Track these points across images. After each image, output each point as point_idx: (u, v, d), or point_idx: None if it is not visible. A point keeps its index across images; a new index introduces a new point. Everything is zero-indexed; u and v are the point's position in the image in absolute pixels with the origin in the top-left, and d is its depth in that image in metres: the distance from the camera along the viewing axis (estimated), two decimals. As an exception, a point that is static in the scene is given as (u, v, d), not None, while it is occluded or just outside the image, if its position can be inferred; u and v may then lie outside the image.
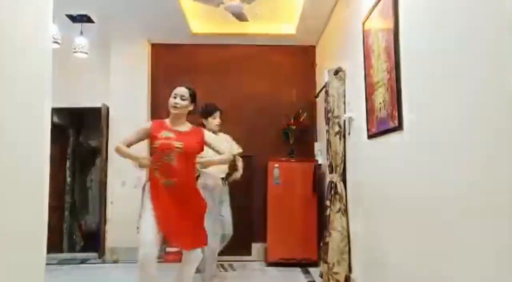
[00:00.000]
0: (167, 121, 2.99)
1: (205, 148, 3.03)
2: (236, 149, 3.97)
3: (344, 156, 3.75)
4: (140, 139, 2.98)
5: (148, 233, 2.67)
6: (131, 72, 5.27)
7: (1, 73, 1.61)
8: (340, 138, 3.76)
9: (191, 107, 3.02)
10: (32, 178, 1.84)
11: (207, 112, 3.82)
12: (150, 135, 2.90)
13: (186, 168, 2.84)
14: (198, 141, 2.95)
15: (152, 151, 2.89)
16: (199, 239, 2.92)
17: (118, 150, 2.92)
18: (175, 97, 2.95)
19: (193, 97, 3.02)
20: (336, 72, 3.83)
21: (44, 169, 1.96)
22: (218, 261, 4.87)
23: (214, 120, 3.81)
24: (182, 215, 2.80)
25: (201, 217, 2.95)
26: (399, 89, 2.39)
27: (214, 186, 3.71)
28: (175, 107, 2.93)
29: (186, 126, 3.00)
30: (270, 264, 4.55)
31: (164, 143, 2.81)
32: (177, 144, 2.80)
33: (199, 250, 2.93)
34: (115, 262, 4.94)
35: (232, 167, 3.98)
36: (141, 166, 2.91)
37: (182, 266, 2.95)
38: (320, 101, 4.85)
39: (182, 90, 2.97)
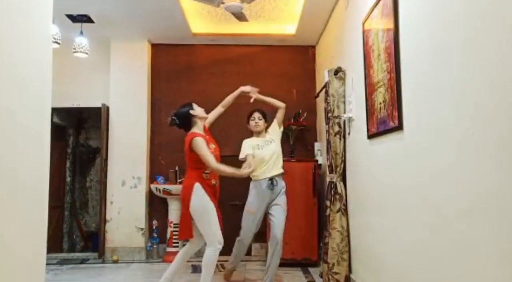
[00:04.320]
0: (202, 133, 3.37)
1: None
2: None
3: (344, 156, 3.76)
4: None
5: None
6: (131, 72, 5.27)
7: (1, 73, 1.61)
8: (340, 138, 3.76)
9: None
10: (32, 178, 1.84)
11: (248, 118, 3.97)
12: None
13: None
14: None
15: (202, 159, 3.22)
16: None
17: (221, 171, 3.25)
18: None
19: None
20: (336, 72, 3.83)
21: (44, 169, 1.96)
22: (218, 260, 4.86)
23: (252, 122, 3.91)
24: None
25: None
26: (399, 89, 2.39)
27: None
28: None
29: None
30: (270, 264, 4.55)
31: (215, 154, 3.31)
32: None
33: None
34: (115, 262, 4.94)
35: None
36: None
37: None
38: (320, 101, 4.85)
39: None
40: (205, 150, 3.17)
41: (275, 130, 3.94)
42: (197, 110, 3.39)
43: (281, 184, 3.79)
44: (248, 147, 3.81)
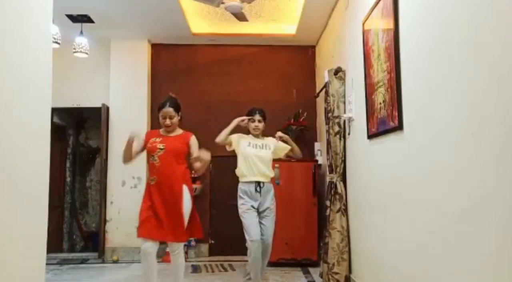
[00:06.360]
0: (160, 130, 3.30)
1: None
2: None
3: (344, 156, 3.76)
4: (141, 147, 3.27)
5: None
6: (131, 72, 5.27)
7: (1, 74, 1.61)
8: (340, 138, 3.76)
9: (178, 118, 3.29)
10: (32, 177, 1.84)
11: (247, 115, 3.73)
12: (144, 142, 3.23)
13: (169, 166, 3.13)
14: (182, 143, 3.22)
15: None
16: (178, 234, 3.10)
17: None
18: (164, 118, 3.20)
19: (178, 109, 3.27)
20: (336, 72, 3.83)
21: (44, 169, 1.96)
22: (217, 260, 4.87)
23: (252, 124, 3.68)
24: (164, 210, 3.13)
25: (179, 213, 3.12)
26: (399, 89, 2.39)
27: None
28: (168, 126, 3.22)
29: (176, 132, 3.29)
30: (270, 264, 4.55)
31: (150, 146, 3.16)
32: (160, 146, 3.13)
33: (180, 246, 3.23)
34: (115, 262, 4.94)
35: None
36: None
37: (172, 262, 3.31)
38: (320, 101, 4.85)
39: (169, 111, 3.19)
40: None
41: (273, 146, 3.69)
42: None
43: (269, 186, 3.58)
44: (239, 138, 3.63)
